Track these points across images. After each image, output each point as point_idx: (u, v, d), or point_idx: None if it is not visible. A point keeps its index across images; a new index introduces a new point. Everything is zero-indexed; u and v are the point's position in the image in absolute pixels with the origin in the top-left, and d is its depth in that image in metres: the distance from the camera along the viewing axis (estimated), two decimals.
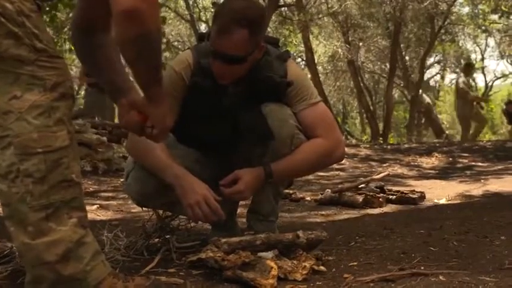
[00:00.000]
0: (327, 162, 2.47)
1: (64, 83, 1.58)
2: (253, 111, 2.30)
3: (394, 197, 4.41)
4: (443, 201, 4.44)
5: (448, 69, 24.87)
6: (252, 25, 2.19)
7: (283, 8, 13.72)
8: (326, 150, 2.36)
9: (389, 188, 4.67)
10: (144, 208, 2.54)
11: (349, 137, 15.03)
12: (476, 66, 25.67)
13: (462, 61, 23.26)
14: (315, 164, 2.41)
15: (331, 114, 2.48)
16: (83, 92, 12.39)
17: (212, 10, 15.39)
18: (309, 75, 13.56)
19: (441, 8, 14.58)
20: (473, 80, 25.84)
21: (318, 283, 1.91)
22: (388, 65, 16.54)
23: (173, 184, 2.20)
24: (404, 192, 4.51)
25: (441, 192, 4.91)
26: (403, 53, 17.14)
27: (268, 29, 13.69)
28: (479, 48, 26.08)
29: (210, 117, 2.34)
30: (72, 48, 10.18)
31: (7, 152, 1.52)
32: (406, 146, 9.12)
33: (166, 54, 12.72)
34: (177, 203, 2.33)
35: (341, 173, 6.68)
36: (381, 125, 16.26)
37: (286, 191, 4.29)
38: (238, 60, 2.21)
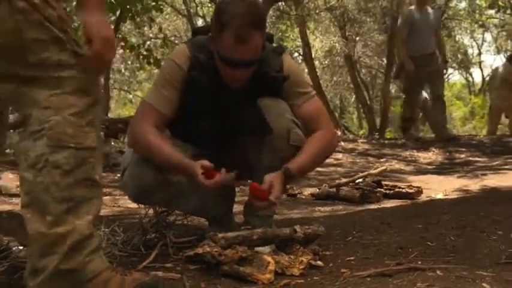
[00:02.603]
0: (328, 154, 2.51)
1: (97, 89, 1.67)
2: (249, 106, 2.31)
3: (391, 192, 4.43)
4: (440, 196, 4.45)
5: None
6: (262, 25, 2.21)
7: (280, 3, 13.69)
8: (328, 142, 2.40)
9: (387, 183, 4.68)
10: (140, 204, 2.53)
11: (346, 131, 15.00)
12: (473, 61, 25.67)
13: (459, 56, 23.27)
14: (322, 156, 2.44)
15: (323, 106, 2.54)
16: None
17: (209, 5, 15.35)
18: (306, 70, 13.54)
19: (438, 3, 14.57)
20: (471, 74, 25.87)
21: (315, 278, 1.91)
22: (385, 59, 16.52)
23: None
24: (402, 187, 4.52)
25: (438, 187, 4.91)
26: None
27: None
28: (476, 43, 26.10)
29: (208, 112, 2.34)
30: None
31: (39, 143, 1.58)
32: (403, 140, 9.11)
33: (164, 49, 12.69)
34: (173, 199, 2.34)
35: (338, 168, 6.68)
36: (378, 120, 16.25)
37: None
38: (256, 62, 2.24)
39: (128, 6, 8.17)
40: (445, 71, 8.42)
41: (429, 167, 6.90)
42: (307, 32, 14.51)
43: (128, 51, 9.78)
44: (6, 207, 3.97)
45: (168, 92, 2.31)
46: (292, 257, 2.00)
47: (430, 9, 7.74)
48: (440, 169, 6.61)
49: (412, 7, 7.81)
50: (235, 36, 2.15)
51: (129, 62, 18.31)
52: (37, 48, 1.55)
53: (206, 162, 2.18)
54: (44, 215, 1.58)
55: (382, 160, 7.18)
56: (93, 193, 1.65)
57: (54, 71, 1.57)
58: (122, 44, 9.29)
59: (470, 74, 26.00)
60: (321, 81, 15.34)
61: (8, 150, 6.75)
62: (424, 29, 7.47)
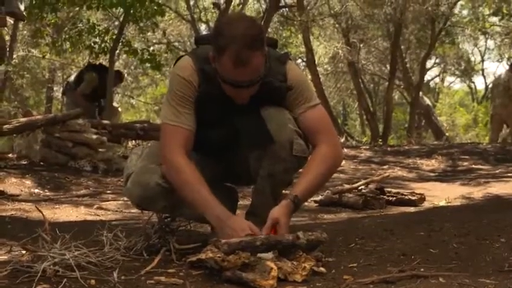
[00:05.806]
0: (333, 171, 2.50)
1: None
2: (251, 115, 2.30)
3: (394, 198, 4.42)
4: (443, 203, 4.44)
5: (447, 71, 24.84)
6: (261, 44, 2.17)
7: (284, 9, 13.72)
8: (333, 159, 2.38)
9: (389, 189, 4.67)
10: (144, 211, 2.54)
11: (349, 138, 14.99)
12: (476, 68, 25.67)
13: (462, 63, 23.26)
14: (328, 175, 2.43)
15: (328, 116, 2.50)
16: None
17: (213, 11, 15.38)
18: (309, 76, 13.55)
19: (442, 9, 14.58)
20: (473, 82, 25.87)
21: (317, 284, 1.91)
22: (388, 66, 16.53)
23: (214, 225, 2.26)
24: (404, 194, 4.51)
25: (441, 195, 4.91)
26: (404, 54, 17.14)
27: (269, 30, 13.67)
28: (479, 51, 26.06)
29: (213, 121, 2.35)
30: (70, 49, 10.22)
31: None
32: (406, 148, 9.10)
33: (167, 54, 12.72)
34: (177, 206, 2.35)
35: (341, 175, 6.68)
36: (380, 127, 16.26)
37: (286, 192, 4.29)
38: (259, 80, 2.22)
39: (131, 11, 8.20)
40: None
41: (432, 174, 6.90)
42: (311, 38, 14.53)
43: (131, 56, 9.80)
44: (9, 213, 3.97)
45: (185, 108, 2.30)
46: (295, 263, 1.99)
47: None
48: (443, 176, 6.61)
49: None
50: (234, 60, 2.12)
51: (132, 67, 18.38)
52: None
53: (253, 227, 2.17)
54: None
55: (384, 167, 7.18)
56: None
57: None
58: (125, 49, 9.31)
59: (473, 82, 25.96)
60: (324, 88, 15.35)
61: (11, 155, 6.76)
62: None
